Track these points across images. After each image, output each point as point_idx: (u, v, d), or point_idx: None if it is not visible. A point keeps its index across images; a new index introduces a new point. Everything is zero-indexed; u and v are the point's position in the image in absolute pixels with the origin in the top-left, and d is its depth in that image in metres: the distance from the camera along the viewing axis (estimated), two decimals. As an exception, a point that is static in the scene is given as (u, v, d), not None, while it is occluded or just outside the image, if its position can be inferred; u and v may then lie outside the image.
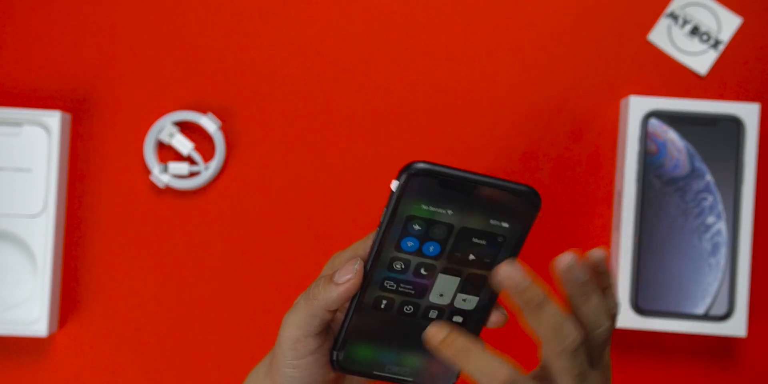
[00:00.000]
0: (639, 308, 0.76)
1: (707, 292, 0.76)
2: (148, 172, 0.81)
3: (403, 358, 0.56)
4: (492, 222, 0.52)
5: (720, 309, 0.76)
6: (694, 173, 0.77)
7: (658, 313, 0.76)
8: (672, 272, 0.76)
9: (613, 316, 0.56)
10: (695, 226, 0.76)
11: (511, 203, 0.52)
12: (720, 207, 0.76)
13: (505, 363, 0.52)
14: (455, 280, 0.54)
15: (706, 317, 0.76)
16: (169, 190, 0.81)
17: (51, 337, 0.80)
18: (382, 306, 0.55)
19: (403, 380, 0.56)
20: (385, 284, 0.54)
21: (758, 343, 0.80)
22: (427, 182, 0.51)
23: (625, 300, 0.76)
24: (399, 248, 0.53)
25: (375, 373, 0.56)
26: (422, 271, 0.53)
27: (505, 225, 0.52)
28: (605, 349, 0.55)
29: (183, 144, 0.80)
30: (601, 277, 0.56)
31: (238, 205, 0.81)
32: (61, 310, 0.80)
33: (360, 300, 0.54)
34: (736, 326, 0.76)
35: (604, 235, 0.80)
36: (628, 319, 0.76)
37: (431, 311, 0.54)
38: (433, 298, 0.54)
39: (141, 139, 0.81)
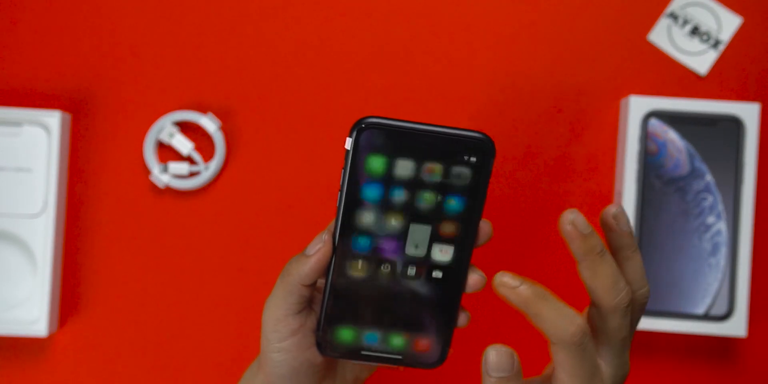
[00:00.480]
0: (639, 308, 0.76)
1: (707, 292, 0.76)
2: (148, 172, 0.81)
3: (389, 335, 0.55)
4: (448, 170, 0.52)
5: (720, 309, 0.76)
6: (694, 173, 0.77)
7: (658, 313, 0.76)
8: (672, 272, 0.76)
9: (645, 293, 0.55)
10: (695, 226, 0.76)
11: (465, 150, 0.52)
12: (720, 207, 0.76)
13: (578, 315, 0.52)
14: (426, 229, 0.53)
15: (706, 317, 0.76)
16: (169, 190, 0.81)
17: (51, 337, 0.80)
18: (359, 271, 0.54)
19: (391, 359, 0.56)
20: (357, 246, 0.54)
21: (758, 343, 0.80)
22: (379, 135, 0.51)
23: (625, 300, 0.76)
24: (363, 205, 0.52)
25: (362, 353, 0.55)
26: (391, 222, 0.53)
27: (461, 172, 0.52)
28: (639, 318, 0.55)
29: (183, 144, 0.80)
30: (624, 241, 0.55)
31: (238, 205, 0.81)
32: (61, 310, 0.80)
33: (335, 271, 0.54)
34: (736, 326, 0.76)
35: (604, 235, 0.80)
36: (628, 319, 0.76)
37: (409, 267, 0.54)
38: (409, 249, 0.53)
39: (141, 139, 0.81)
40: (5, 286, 0.79)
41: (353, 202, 0.53)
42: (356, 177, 0.52)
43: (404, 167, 0.52)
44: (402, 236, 0.53)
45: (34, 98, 0.81)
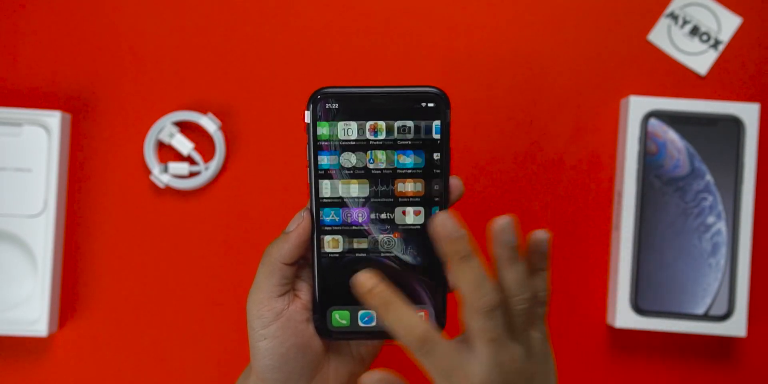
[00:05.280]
0: (639, 308, 0.76)
1: (707, 292, 0.76)
2: (148, 172, 0.81)
3: None
4: (392, 126, 0.51)
5: (720, 309, 0.76)
6: (694, 173, 0.77)
7: (658, 313, 0.76)
8: (672, 272, 0.76)
9: (541, 299, 0.56)
10: (695, 226, 0.76)
11: (412, 106, 0.51)
12: (720, 207, 0.76)
13: (423, 320, 0.52)
14: (388, 191, 0.52)
15: (706, 317, 0.76)
16: (169, 190, 0.81)
17: (51, 337, 0.80)
18: (337, 246, 0.53)
19: (390, 334, 0.55)
20: (329, 220, 0.53)
21: (758, 343, 0.80)
22: (332, 103, 0.51)
23: (625, 300, 0.76)
24: (326, 175, 0.52)
25: (359, 332, 0.55)
26: (352, 189, 0.52)
27: (406, 127, 0.51)
28: (529, 324, 0.55)
29: (183, 144, 0.80)
30: (538, 258, 0.56)
31: (238, 205, 0.81)
32: (61, 310, 0.80)
33: (318, 249, 0.53)
34: (736, 326, 0.76)
35: (604, 235, 0.80)
36: (628, 319, 0.76)
37: (384, 236, 0.53)
38: (379, 215, 0.53)
39: (141, 139, 0.81)
40: (5, 286, 0.79)
41: (316, 174, 0.52)
42: (313, 148, 0.52)
43: (347, 129, 0.51)
44: (369, 203, 0.52)
45: (34, 98, 0.81)
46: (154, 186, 0.81)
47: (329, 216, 0.53)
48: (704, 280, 0.76)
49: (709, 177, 0.77)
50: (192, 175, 0.81)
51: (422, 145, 0.51)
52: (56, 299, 0.79)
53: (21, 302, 0.78)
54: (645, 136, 0.77)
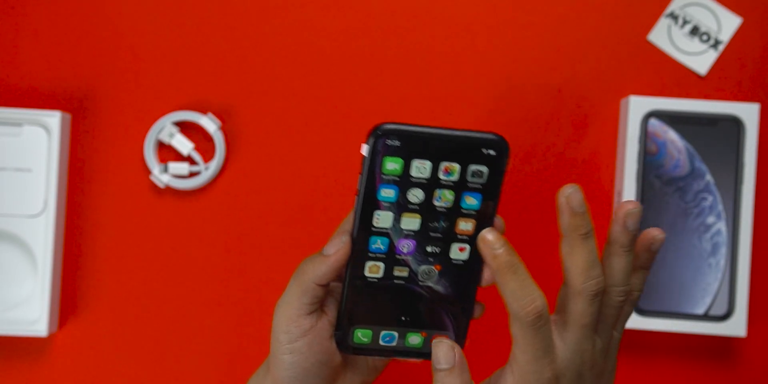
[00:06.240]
0: (639, 308, 0.76)
1: (707, 292, 0.76)
2: (148, 172, 0.81)
3: (406, 334, 0.56)
4: (465, 169, 0.53)
5: (720, 309, 0.76)
6: (694, 173, 0.77)
7: (658, 313, 0.76)
8: (672, 272, 0.76)
9: (633, 298, 0.55)
10: (695, 226, 0.76)
11: (480, 152, 0.52)
12: (720, 207, 0.76)
13: (542, 295, 0.52)
14: (444, 228, 0.54)
15: (706, 317, 0.76)
16: (169, 190, 0.81)
17: (51, 337, 0.80)
18: (376, 272, 0.54)
19: (408, 354, 0.56)
20: (374, 248, 0.54)
21: (758, 343, 0.80)
22: (395, 140, 0.52)
23: (625, 300, 0.76)
24: (381, 207, 0.53)
25: (379, 350, 0.56)
26: (409, 223, 0.53)
27: (478, 172, 0.53)
28: (615, 320, 0.55)
29: (183, 144, 0.80)
30: (647, 256, 0.55)
31: (238, 205, 0.81)
32: (61, 310, 0.80)
33: (353, 271, 0.54)
34: (736, 326, 0.76)
35: (604, 235, 0.80)
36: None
37: (426, 267, 0.54)
38: (427, 249, 0.54)
39: (141, 139, 0.81)
40: (5, 286, 0.79)
41: (371, 205, 0.53)
42: (373, 180, 0.53)
43: (421, 167, 0.52)
44: (419, 236, 0.54)
45: (34, 98, 0.81)
46: (154, 186, 0.81)
47: (376, 244, 0.54)
48: (704, 280, 0.76)
49: (709, 177, 0.77)
50: (192, 175, 0.81)
51: (480, 187, 0.53)
52: (56, 299, 0.79)
53: (21, 302, 0.78)
54: (645, 136, 0.77)
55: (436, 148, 0.52)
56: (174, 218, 0.81)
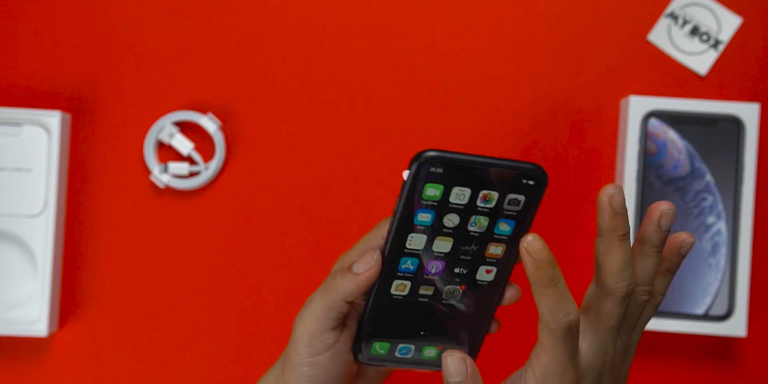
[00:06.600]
0: (639, 308, 0.76)
1: (707, 292, 0.76)
2: (148, 172, 0.81)
3: (423, 347, 0.57)
4: (502, 200, 0.54)
5: (720, 309, 0.76)
6: (694, 173, 0.77)
7: (659, 313, 0.76)
8: (672, 272, 0.76)
9: (655, 301, 0.55)
10: (695, 226, 0.76)
11: (519, 181, 0.53)
12: (720, 207, 0.76)
13: (576, 308, 0.52)
14: (475, 251, 0.55)
15: (706, 317, 0.76)
16: (169, 190, 0.81)
17: (51, 337, 0.80)
18: (403, 290, 0.55)
19: (426, 363, 0.57)
20: (404, 268, 0.55)
21: (758, 343, 0.80)
22: (437, 169, 0.52)
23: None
24: (416, 229, 0.54)
25: (397, 360, 0.57)
26: (441, 246, 0.54)
27: (515, 200, 0.54)
28: (636, 322, 0.55)
29: (183, 144, 0.80)
30: (675, 259, 0.56)
31: (238, 205, 0.81)
32: (61, 310, 0.80)
33: (379, 288, 0.55)
34: (736, 326, 0.76)
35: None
36: (628, 319, 0.76)
37: (452, 287, 0.55)
38: (455, 270, 0.55)
39: (141, 139, 0.81)
40: (5, 286, 0.79)
41: (406, 228, 0.54)
42: (411, 204, 0.53)
43: (461, 194, 0.53)
44: (449, 258, 0.55)
45: (34, 98, 0.81)
46: (154, 186, 0.81)
47: (406, 264, 0.55)
48: (704, 280, 0.76)
49: (709, 177, 0.77)
50: (192, 175, 0.81)
51: (515, 215, 0.54)
52: (56, 299, 0.79)
53: (21, 302, 0.78)
54: (645, 136, 0.77)
55: (476, 176, 0.53)
56: (174, 218, 0.81)
